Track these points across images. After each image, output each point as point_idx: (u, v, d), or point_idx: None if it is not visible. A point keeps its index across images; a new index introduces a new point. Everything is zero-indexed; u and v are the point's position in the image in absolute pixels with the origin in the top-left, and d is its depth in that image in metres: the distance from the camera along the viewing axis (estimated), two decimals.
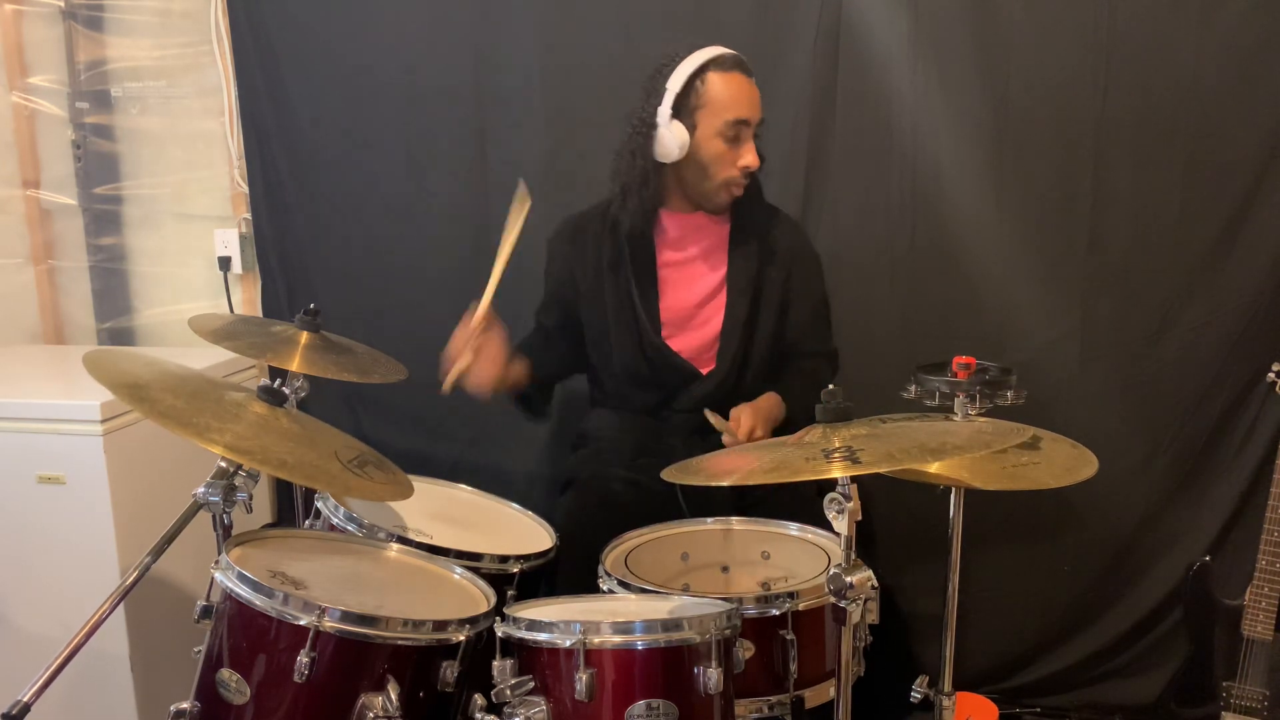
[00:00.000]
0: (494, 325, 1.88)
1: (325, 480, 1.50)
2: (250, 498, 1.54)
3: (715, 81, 1.90)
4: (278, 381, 1.64)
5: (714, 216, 2.04)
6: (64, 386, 2.33)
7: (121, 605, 1.53)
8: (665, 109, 1.90)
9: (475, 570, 1.65)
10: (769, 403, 1.94)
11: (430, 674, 1.43)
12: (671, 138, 1.91)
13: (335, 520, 1.73)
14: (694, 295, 2.05)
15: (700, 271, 2.05)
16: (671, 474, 1.42)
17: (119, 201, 2.74)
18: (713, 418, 1.87)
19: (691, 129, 1.91)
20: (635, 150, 1.95)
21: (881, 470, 1.28)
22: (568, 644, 1.37)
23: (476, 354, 1.85)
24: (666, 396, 2.06)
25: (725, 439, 1.85)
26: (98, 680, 2.12)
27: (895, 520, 2.38)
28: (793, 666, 1.53)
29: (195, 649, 1.47)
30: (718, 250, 2.05)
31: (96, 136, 2.71)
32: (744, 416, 1.85)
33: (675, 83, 1.89)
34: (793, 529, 1.83)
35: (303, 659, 1.34)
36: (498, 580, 1.65)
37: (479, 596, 1.59)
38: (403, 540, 1.69)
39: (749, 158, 1.92)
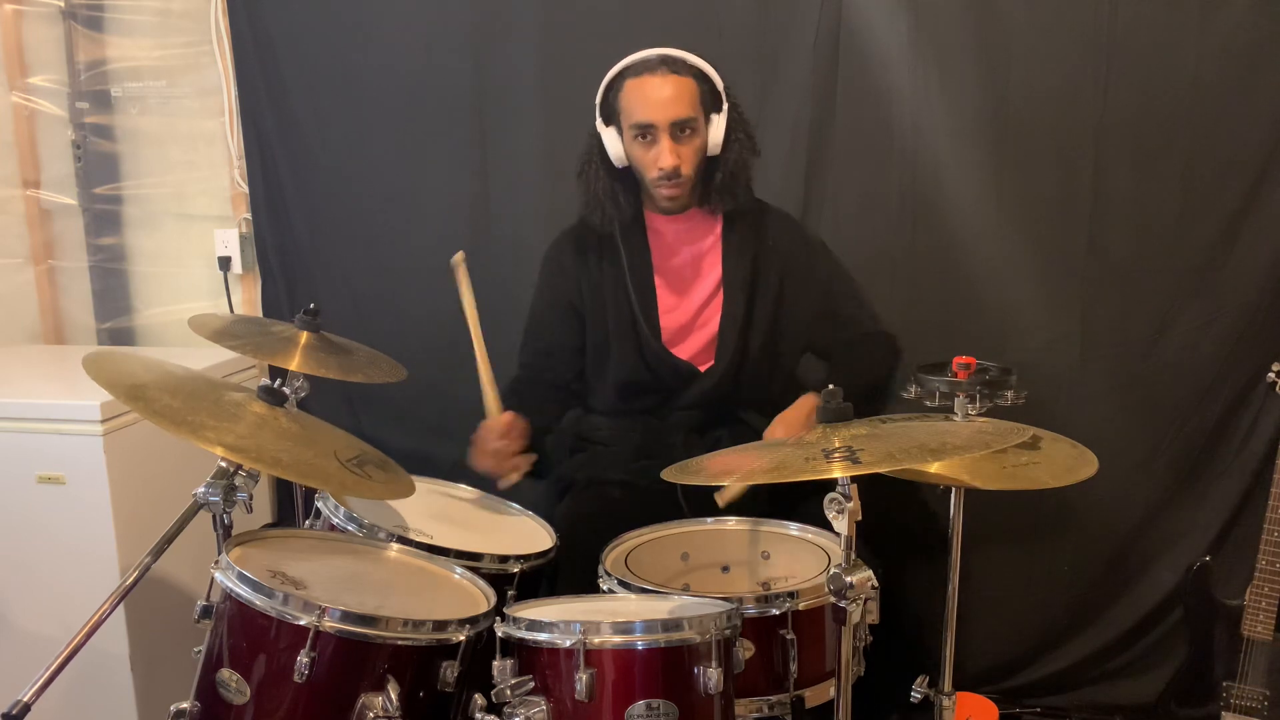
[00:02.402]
0: (512, 428, 1.89)
1: (321, 478, 1.50)
2: (250, 498, 1.54)
3: (626, 88, 1.91)
4: (278, 381, 1.64)
5: (705, 218, 2.03)
6: (64, 386, 2.33)
7: (121, 605, 1.53)
8: (598, 119, 1.96)
9: (475, 570, 1.65)
10: (799, 412, 1.89)
11: (430, 674, 1.43)
12: (609, 145, 1.95)
13: (335, 520, 1.73)
14: (693, 300, 2.04)
15: (697, 274, 2.05)
16: (671, 474, 1.42)
17: (119, 201, 2.74)
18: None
19: (620, 135, 1.95)
20: (590, 159, 2.00)
21: (882, 470, 1.27)
22: (568, 644, 1.37)
23: (500, 457, 1.88)
24: (666, 397, 2.06)
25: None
26: (98, 680, 2.12)
27: (895, 520, 2.38)
28: (793, 666, 1.54)
29: (195, 649, 1.47)
30: (712, 251, 2.05)
31: (96, 136, 2.71)
32: (777, 434, 1.83)
33: (599, 94, 1.95)
34: (793, 529, 1.83)
35: (303, 659, 1.34)
36: (498, 580, 1.65)
37: (479, 596, 1.59)
38: (403, 540, 1.69)
39: (663, 159, 1.90)
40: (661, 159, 1.90)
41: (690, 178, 1.94)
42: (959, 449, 1.35)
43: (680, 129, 1.90)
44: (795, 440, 1.40)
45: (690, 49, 1.94)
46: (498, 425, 1.89)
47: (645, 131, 1.90)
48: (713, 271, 2.04)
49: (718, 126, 1.94)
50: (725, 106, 1.95)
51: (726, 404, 2.04)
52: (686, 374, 2.04)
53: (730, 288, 2.03)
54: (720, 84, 1.94)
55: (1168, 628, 2.38)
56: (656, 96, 1.88)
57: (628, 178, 1.99)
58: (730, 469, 1.46)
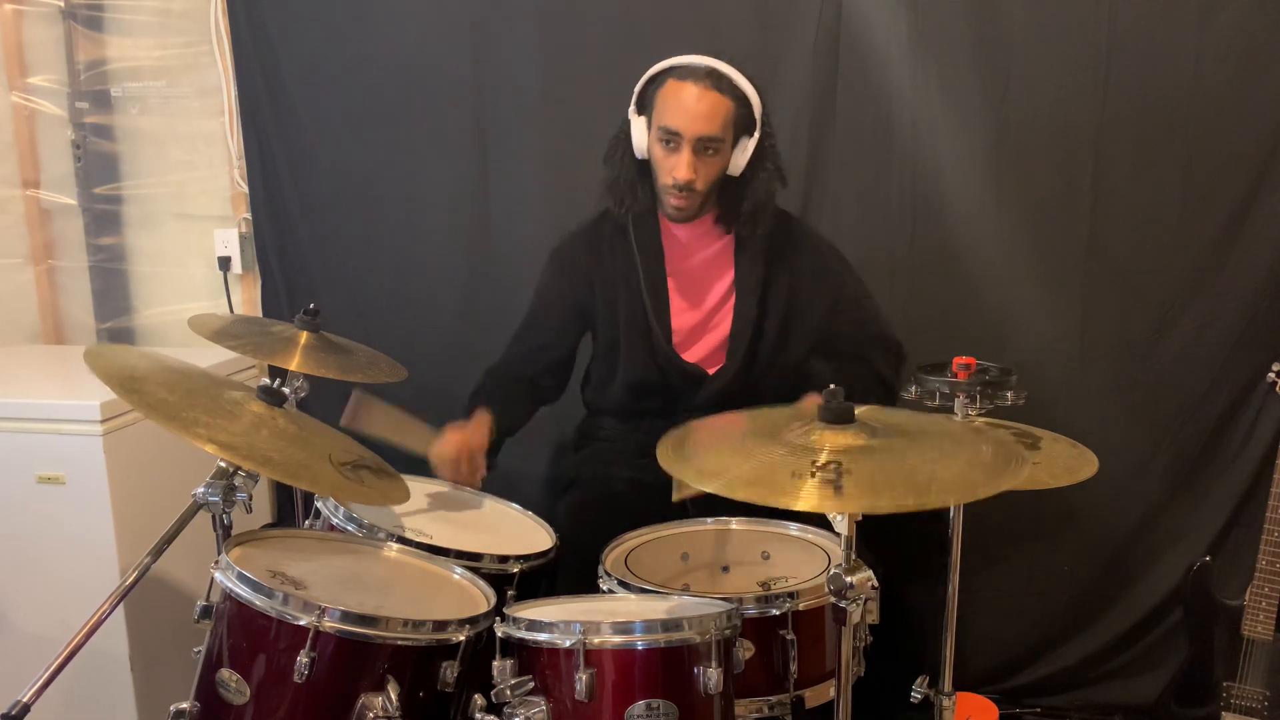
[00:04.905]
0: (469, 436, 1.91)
1: (310, 480, 1.49)
2: (250, 498, 1.54)
3: (666, 87, 1.89)
4: (277, 381, 1.64)
5: (719, 226, 2.03)
6: (64, 386, 2.33)
7: (121, 605, 1.53)
8: (632, 105, 1.95)
9: (475, 570, 1.65)
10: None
11: (430, 674, 1.43)
12: (635, 134, 1.94)
13: (335, 520, 1.73)
14: (706, 304, 2.03)
15: (709, 278, 2.04)
16: (666, 457, 1.41)
17: (119, 201, 2.74)
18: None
19: (648, 129, 1.93)
20: (618, 144, 1.99)
21: (860, 511, 1.27)
22: (568, 644, 1.37)
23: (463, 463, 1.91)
24: (673, 399, 2.05)
25: None
26: (98, 680, 2.12)
27: (895, 520, 2.37)
28: (793, 666, 1.54)
29: (195, 649, 1.47)
30: (724, 255, 2.04)
31: (96, 136, 2.71)
32: None
33: (640, 82, 1.93)
34: (793, 529, 1.83)
35: (302, 659, 1.34)
36: (498, 580, 1.65)
37: (479, 596, 1.59)
38: (403, 540, 1.69)
39: (679, 170, 1.87)
40: (678, 170, 1.88)
41: (702, 193, 1.93)
42: (944, 491, 1.32)
43: (705, 146, 1.88)
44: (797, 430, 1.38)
45: (689, 48, 1.93)
46: (449, 451, 1.90)
47: (670, 138, 1.88)
48: (725, 275, 2.03)
49: (744, 150, 1.92)
50: (758, 134, 1.92)
51: (734, 406, 2.03)
52: (695, 377, 2.03)
53: (743, 292, 2.02)
54: (759, 110, 1.91)
55: (1168, 628, 2.38)
56: (692, 108, 1.86)
57: (646, 171, 1.99)
58: (720, 433, 1.46)
